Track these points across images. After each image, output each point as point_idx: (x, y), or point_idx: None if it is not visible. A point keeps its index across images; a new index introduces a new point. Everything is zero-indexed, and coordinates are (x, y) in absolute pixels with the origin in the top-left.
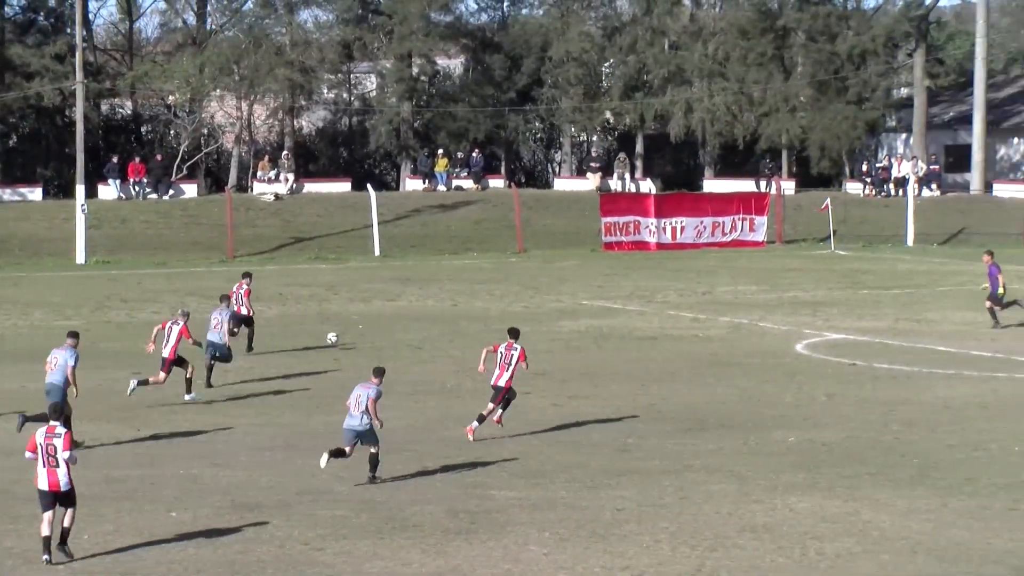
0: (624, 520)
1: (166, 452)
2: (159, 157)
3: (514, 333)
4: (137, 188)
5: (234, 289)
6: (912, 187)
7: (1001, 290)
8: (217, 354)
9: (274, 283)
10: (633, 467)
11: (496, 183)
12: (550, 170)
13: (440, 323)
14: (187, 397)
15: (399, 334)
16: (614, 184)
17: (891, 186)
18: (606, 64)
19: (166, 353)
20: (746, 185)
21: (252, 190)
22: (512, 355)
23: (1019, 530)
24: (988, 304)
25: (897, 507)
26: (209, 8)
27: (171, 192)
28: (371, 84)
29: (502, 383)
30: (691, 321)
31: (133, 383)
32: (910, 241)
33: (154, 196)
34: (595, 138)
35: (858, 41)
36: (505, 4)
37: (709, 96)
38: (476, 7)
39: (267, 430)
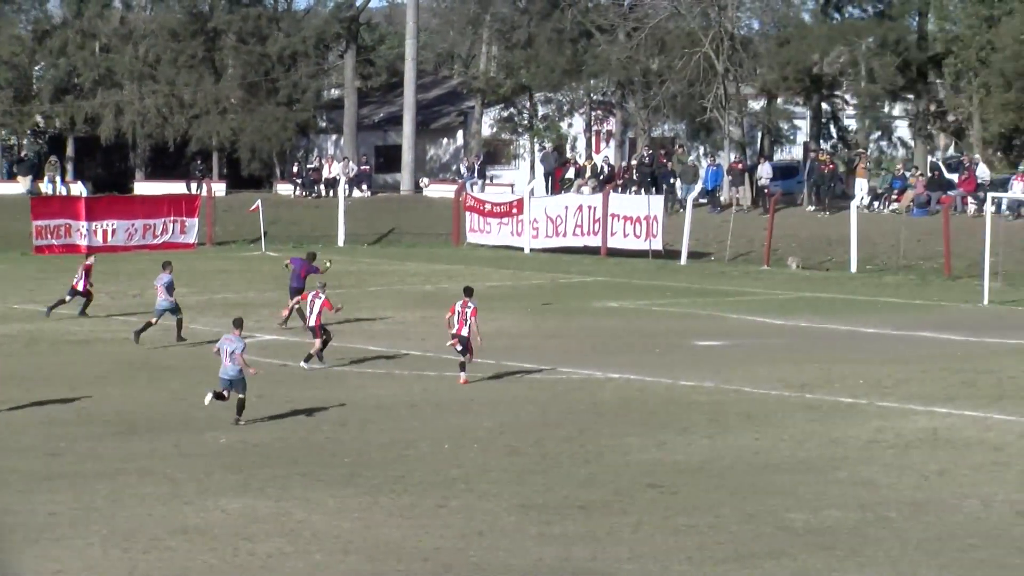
0: (57, 524)
1: None
2: None
3: (468, 292)
4: None
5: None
6: (343, 188)
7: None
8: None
9: None
10: (65, 471)
11: None
12: None
13: None
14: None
15: None
16: (45, 187)
17: (322, 187)
18: (37, 67)
19: (312, 322)
20: (177, 187)
21: None
22: (467, 311)
23: (447, 527)
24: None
25: (328, 506)
26: None
27: None
28: None
29: (464, 332)
30: (123, 324)
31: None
32: (341, 241)
33: None
34: (26, 141)
35: (289, 43)
36: None
37: (140, 98)
38: None
39: None
